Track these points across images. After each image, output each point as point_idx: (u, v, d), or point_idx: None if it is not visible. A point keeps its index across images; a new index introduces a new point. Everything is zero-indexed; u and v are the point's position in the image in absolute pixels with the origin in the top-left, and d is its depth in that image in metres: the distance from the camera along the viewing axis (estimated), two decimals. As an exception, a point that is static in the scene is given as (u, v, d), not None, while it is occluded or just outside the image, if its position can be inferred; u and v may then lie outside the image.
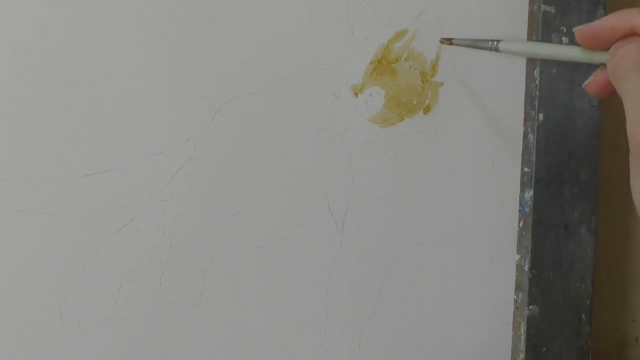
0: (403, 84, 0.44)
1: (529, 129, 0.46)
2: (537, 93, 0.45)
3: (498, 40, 0.38)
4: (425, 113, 0.45)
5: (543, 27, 0.45)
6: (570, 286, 0.46)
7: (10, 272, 0.38)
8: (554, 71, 0.45)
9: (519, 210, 0.47)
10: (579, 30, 0.30)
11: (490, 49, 0.38)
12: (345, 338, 0.44)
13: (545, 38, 0.45)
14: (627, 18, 0.28)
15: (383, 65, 0.44)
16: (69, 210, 0.38)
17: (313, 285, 0.43)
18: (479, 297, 0.47)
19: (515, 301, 0.46)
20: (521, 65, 0.47)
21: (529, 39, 0.46)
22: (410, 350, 0.46)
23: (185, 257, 0.40)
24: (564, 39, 0.45)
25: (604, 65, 0.30)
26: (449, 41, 0.42)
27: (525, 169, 0.46)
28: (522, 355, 0.45)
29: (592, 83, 0.31)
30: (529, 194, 0.45)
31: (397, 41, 0.44)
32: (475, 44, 0.41)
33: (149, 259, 0.40)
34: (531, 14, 0.46)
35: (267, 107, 0.41)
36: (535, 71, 0.45)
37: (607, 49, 0.30)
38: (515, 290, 0.47)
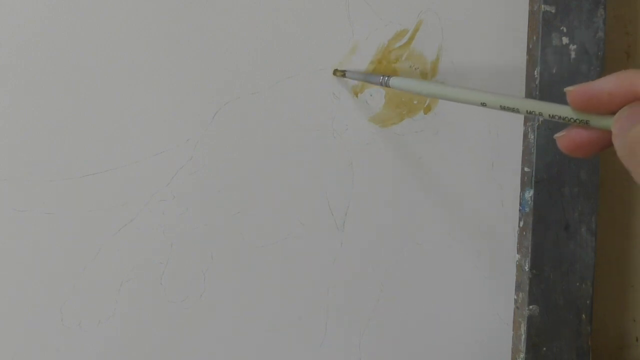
0: (403, 84, 0.44)
1: (529, 129, 0.46)
2: (537, 93, 0.45)
3: (388, 77, 0.38)
4: (425, 113, 0.45)
5: (543, 27, 0.45)
6: (570, 286, 0.46)
7: (11, 272, 0.38)
8: (554, 71, 0.45)
9: (519, 210, 0.47)
10: (572, 92, 0.27)
11: (381, 84, 0.38)
12: (345, 338, 0.44)
13: (546, 38, 0.45)
14: (628, 82, 0.25)
15: (383, 65, 0.44)
16: (69, 210, 0.38)
17: (313, 285, 0.43)
18: (479, 297, 0.47)
19: (516, 301, 0.46)
20: (521, 65, 0.47)
21: (529, 39, 0.46)
22: (410, 350, 0.46)
23: (185, 257, 0.40)
24: (564, 39, 0.45)
25: (575, 122, 0.27)
26: (342, 73, 0.42)
27: (526, 169, 0.46)
28: (522, 355, 0.45)
29: (566, 139, 0.28)
30: (529, 194, 0.45)
31: (398, 41, 0.44)
32: (366, 79, 0.41)
33: (149, 259, 0.40)
34: (531, 14, 0.46)
35: (268, 107, 0.41)
36: (535, 71, 0.45)
37: (602, 113, 0.26)
38: (516, 290, 0.47)
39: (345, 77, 0.42)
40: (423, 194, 0.45)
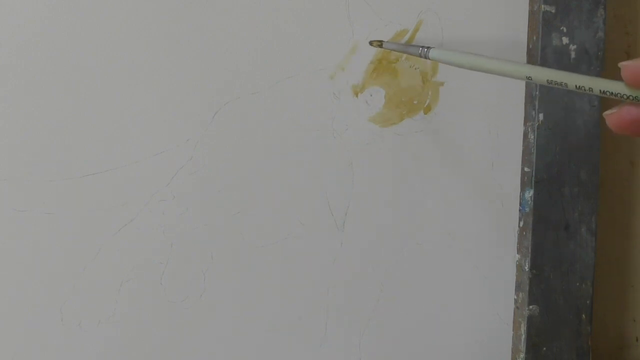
0: (403, 83, 0.44)
1: (529, 129, 0.46)
2: (537, 93, 0.45)
3: (428, 48, 0.36)
4: (425, 113, 0.45)
5: (543, 27, 0.45)
6: (570, 286, 0.46)
7: (11, 272, 0.38)
8: (554, 71, 0.45)
9: (519, 210, 0.47)
10: (627, 66, 0.25)
11: (420, 56, 0.36)
12: (345, 338, 0.44)
13: (546, 38, 0.45)
14: None
15: (383, 65, 0.44)
16: (69, 210, 0.38)
17: (313, 285, 0.43)
18: (479, 297, 0.47)
19: (516, 301, 0.46)
20: (521, 65, 0.47)
21: (529, 39, 0.46)
22: (410, 350, 0.46)
23: (185, 257, 0.40)
24: (564, 39, 0.45)
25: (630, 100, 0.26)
26: (378, 43, 0.41)
27: (526, 169, 0.46)
28: (522, 355, 0.45)
29: (615, 117, 0.27)
30: (529, 194, 0.45)
31: (398, 41, 0.44)
32: (405, 49, 0.40)
33: (149, 259, 0.40)
34: (531, 14, 0.46)
35: (268, 107, 0.41)
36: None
37: None
38: (516, 290, 0.47)
39: (382, 47, 0.41)
40: (423, 194, 0.45)
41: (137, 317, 0.40)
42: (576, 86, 0.27)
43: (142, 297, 0.40)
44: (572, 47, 0.45)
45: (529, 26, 0.46)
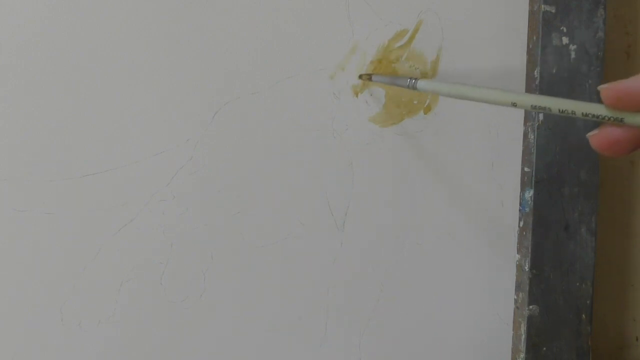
0: (403, 84, 0.44)
1: (529, 129, 0.46)
2: (537, 93, 0.45)
3: (415, 80, 0.38)
4: (425, 113, 0.45)
5: (543, 27, 0.45)
6: (570, 286, 0.46)
7: (11, 272, 0.38)
8: (554, 71, 0.45)
9: (519, 210, 0.47)
10: (605, 89, 0.26)
11: (408, 87, 0.38)
12: (345, 338, 0.44)
13: (546, 38, 0.45)
14: None
15: (383, 65, 0.44)
16: (69, 210, 0.38)
17: (313, 285, 0.43)
18: (479, 297, 0.47)
19: (516, 301, 0.46)
20: (521, 65, 0.47)
21: (529, 39, 0.46)
22: (410, 350, 0.46)
23: (185, 257, 0.40)
24: (564, 39, 0.45)
25: (609, 120, 0.27)
26: (368, 77, 0.43)
27: (526, 169, 0.46)
28: (522, 355, 0.45)
29: (598, 138, 0.27)
30: (529, 194, 0.45)
31: (398, 41, 0.44)
32: (393, 82, 0.41)
33: (149, 259, 0.40)
34: (531, 14, 0.46)
35: (268, 107, 0.41)
36: (536, 71, 0.45)
37: (637, 111, 0.26)
38: (516, 290, 0.47)
39: (371, 80, 0.42)
40: (423, 194, 0.45)
41: (137, 317, 0.40)
42: (559, 110, 0.29)
43: (142, 297, 0.40)
44: (572, 47, 0.45)
45: (529, 26, 0.46)
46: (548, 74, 0.45)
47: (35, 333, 0.38)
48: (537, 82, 0.45)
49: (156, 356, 0.40)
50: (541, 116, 0.45)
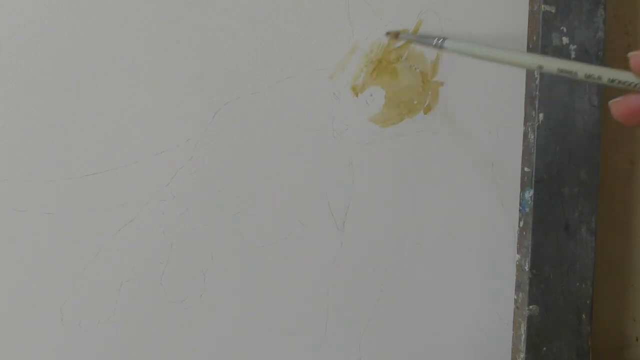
0: (403, 83, 0.44)
1: (529, 129, 0.46)
2: (537, 93, 0.45)
3: (444, 38, 0.37)
4: (425, 113, 0.45)
5: (543, 27, 0.45)
6: (570, 286, 0.46)
7: (11, 272, 0.38)
8: (554, 71, 0.45)
9: (519, 210, 0.47)
10: (636, 55, 0.26)
11: (435, 46, 0.37)
12: (345, 338, 0.44)
13: (546, 38, 0.45)
14: None
15: (383, 65, 0.44)
16: (69, 210, 0.38)
17: (313, 285, 0.43)
18: (479, 297, 0.47)
19: (516, 301, 0.46)
20: (521, 65, 0.47)
21: (529, 39, 0.46)
22: (410, 350, 0.46)
23: (185, 257, 0.40)
24: (564, 39, 0.45)
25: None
26: (395, 34, 0.41)
27: (526, 169, 0.46)
28: (522, 355, 0.45)
29: (621, 105, 0.27)
30: (529, 194, 0.45)
31: (398, 41, 0.44)
32: (420, 40, 0.40)
33: (149, 259, 0.40)
34: (531, 14, 0.46)
35: (268, 107, 0.41)
36: (536, 71, 0.45)
37: None
38: (516, 290, 0.47)
39: (398, 38, 0.41)
40: (423, 194, 0.45)
41: (137, 317, 0.40)
42: (585, 75, 0.28)
43: (142, 297, 0.40)
44: (572, 47, 0.45)
45: (529, 26, 0.46)
46: (548, 74, 0.45)
47: (35, 333, 0.38)
48: (537, 82, 0.45)
49: (156, 356, 0.40)
50: (541, 116, 0.45)
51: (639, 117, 0.27)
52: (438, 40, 0.37)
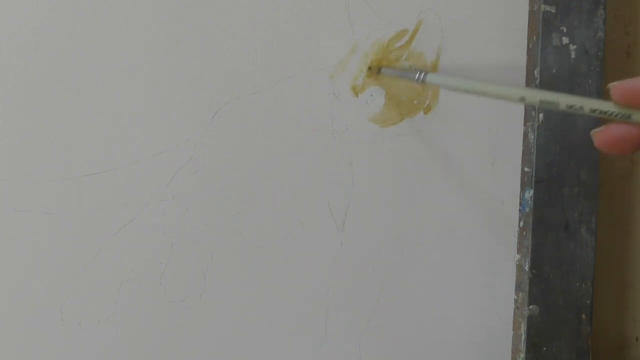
0: (403, 83, 0.44)
1: (529, 129, 0.46)
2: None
3: (425, 73, 0.38)
4: (425, 113, 0.45)
5: (543, 27, 0.45)
6: (570, 286, 0.46)
7: (11, 272, 0.38)
8: (554, 71, 0.45)
9: (519, 210, 0.47)
10: (616, 86, 0.27)
11: (417, 81, 0.38)
12: (345, 338, 0.44)
13: (546, 38, 0.45)
14: None
15: (383, 65, 0.44)
16: (69, 210, 0.38)
17: (313, 285, 0.43)
18: (479, 297, 0.47)
19: (516, 301, 0.46)
20: (521, 65, 0.47)
21: (529, 39, 0.46)
22: (410, 350, 0.46)
23: (185, 257, 0.40)
24: (564, 39, 0.45)
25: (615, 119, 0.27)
26: (377, 69, 0.43)
27: (526, 169, 0.46)
28: (522, 355, 0.45)
29: (602, 135, 0.28)
30: (529, 194, 0.45)
31: (398, 41, 0.44)
32: (402, 75, 0.41)
33: (149, 259, 0.40)
34: (531, 14, 0.46)
35: (268, 107, 0.41)
36: (535, 71, 0.45)
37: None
38: (516, 290, 0.47)
39: (379, 73, 0.42)
40: (423, 194, 0.45)
41: (137, 317, 0.40)
42: (567, 105, 0.29)
43: (142, 297, 0.40)
44: (572, 47, 0.45)
45: (529, 26, 0.46)
46: (548, 74, 0.45)
47: (35, 333, 0.38)
48: (537, 82, 0.45)
49: (156, 356, 0.40)
50: (541, 116, 0.45)
51: (621, 146, 0.28)
52: (420, 74, 0.38)
